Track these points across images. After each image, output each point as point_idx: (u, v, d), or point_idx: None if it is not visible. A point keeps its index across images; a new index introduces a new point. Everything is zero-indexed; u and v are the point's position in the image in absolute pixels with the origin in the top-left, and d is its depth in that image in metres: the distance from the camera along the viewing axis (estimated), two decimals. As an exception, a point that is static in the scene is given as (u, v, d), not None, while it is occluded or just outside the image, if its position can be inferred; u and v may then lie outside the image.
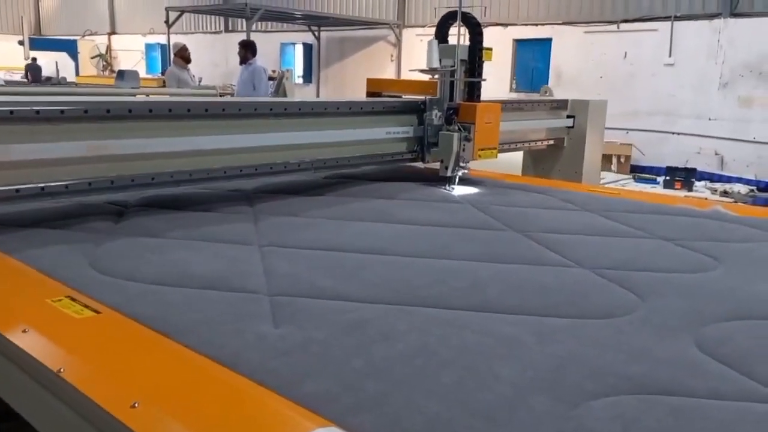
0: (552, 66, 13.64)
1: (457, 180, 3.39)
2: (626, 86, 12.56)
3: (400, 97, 3.77)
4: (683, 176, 10.18)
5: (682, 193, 9.42)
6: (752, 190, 10.02)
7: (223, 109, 2.79)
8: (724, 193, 9.63)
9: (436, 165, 3.48)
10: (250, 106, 2.95)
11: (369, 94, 3.97)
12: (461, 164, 3.39)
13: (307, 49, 18.03)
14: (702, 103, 11.83)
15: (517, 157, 4.53)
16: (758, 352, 1.50)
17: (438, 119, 3.46)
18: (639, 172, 11.85)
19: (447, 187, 3.35)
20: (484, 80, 3.52)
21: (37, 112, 2.22)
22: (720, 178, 10.98)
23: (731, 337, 1.59)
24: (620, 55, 12.66)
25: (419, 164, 3.69)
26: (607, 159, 12.24)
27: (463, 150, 3.36)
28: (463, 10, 3.47)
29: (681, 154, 11.86)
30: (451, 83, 3.47)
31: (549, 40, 13.63)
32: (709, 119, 11.80)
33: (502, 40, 14.11)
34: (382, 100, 3.68)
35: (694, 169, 10.60)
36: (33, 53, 13.52)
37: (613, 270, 2.08)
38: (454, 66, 3.42)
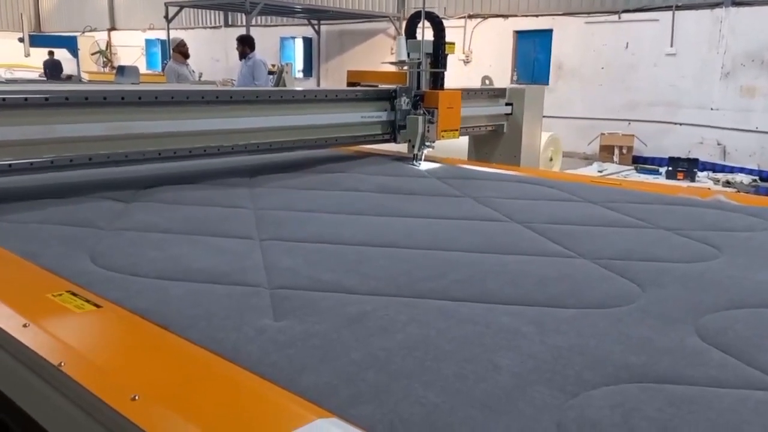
0: (553, 57, 13.61)
1: (423, 156, 3.86)
2: (627, 77, 12.53)
3: (376, 86, 4.14)
4: (686, 167, 10.15)
5: (685, 184, 9.40)
6: (755, 180, 10.01)
7: (205, 96, 3.23)
8: (727, 184, 9.61)
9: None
10: (245, 94, 3.49)
11: (349, 84, 4.36)
12: (426, 143, 3.86)
13: (307, 42, 18.00)
14: (704, 93, 11.80)
15: (464, 142, 4.79)
16: (759, 341, 1.50)
17: (406, 105, 3.91)
18: (641, 163, 11.84)
19: (414, 163, 3.80)
20: (446, 71, 3.92)
21: (86, 98, 2.77)
22: (723, 169, 10.95)
23: (732, 326, 1.58)
24: (621, 46, 12.63)
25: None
26: (609, 150, 12.24)
27: (428, 131, 3.82)
28: (428, 9, 3.89)
29: (683, 144, 11.84)
30: (418, 74, 3.87)
31: (550, 32, 13.59)
32: (711, 109, 11.76)
33: (502, 32, 14.09)
34: (359, 89, 4.05)
35: (697, 160, 10.57)
36: (39, 49, 13.39)
37: (614, 260, 2.08)
38: (420, 59, 3.84)
